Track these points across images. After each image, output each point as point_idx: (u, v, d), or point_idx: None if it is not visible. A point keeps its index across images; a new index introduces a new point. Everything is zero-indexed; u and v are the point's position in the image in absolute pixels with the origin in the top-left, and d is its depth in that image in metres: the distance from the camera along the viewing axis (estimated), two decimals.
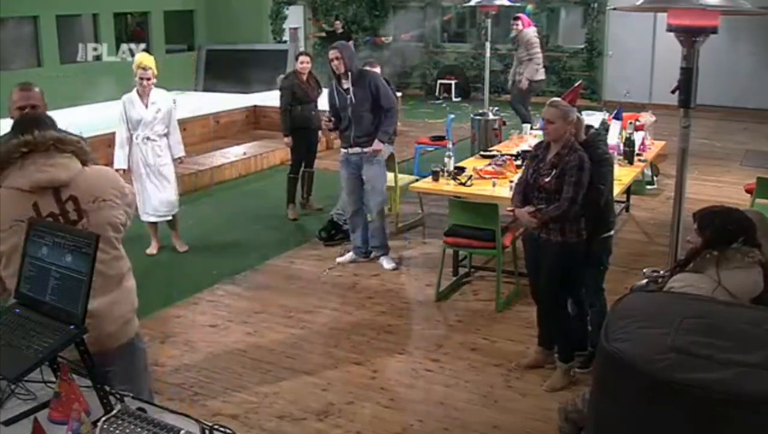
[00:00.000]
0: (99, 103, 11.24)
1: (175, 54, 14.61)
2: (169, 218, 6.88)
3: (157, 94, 6.65)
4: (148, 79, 6.52)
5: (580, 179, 4.41)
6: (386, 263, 6.61)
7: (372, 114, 6.40)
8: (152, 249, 6.93)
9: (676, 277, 3.03)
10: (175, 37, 14.60)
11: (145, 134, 6.59)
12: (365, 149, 6.42)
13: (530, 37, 10.68)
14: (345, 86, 6.40)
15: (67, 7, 12.51)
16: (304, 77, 7.83)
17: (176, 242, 7.01)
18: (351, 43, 15.36)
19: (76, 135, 3.03)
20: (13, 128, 3.01)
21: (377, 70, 7.04)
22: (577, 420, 3.37)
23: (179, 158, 6.86)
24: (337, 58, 6.35)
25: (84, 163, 2.86)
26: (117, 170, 6.50)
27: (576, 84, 5.43)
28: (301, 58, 7.95)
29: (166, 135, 6.70)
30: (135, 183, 6.59)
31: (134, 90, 6.60)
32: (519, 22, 10.69)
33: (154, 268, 6.57)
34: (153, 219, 6.81)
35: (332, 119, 6.56)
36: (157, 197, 6.70)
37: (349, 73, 6.36)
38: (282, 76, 8.06)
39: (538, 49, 10.73)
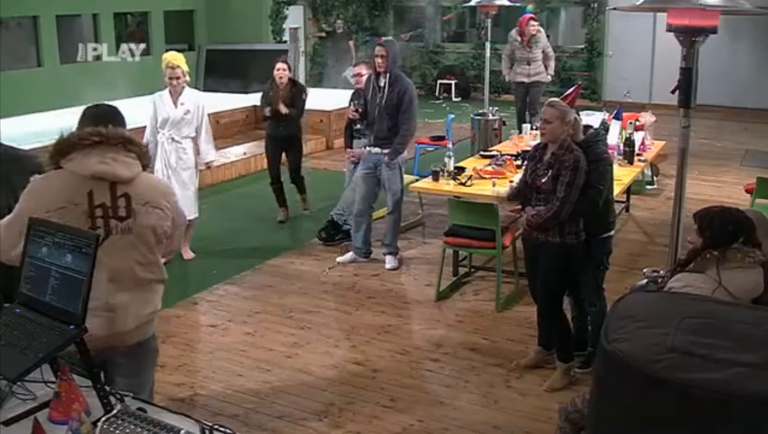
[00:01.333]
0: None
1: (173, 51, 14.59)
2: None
3: (189, 95, 6.50)
4: (178, 78, 6.37)
5: (574, 180, 4.41)
6: (389, 262, 6.62)
7: (393, 120, 6.42)
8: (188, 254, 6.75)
9: (677, 277, 3.03)
10: (175, 37, 14.56)
11: (171, 134, 6.44)
12: (384, 150, 6.47)
13: (544, 37, 10.81)
14: (381, 83, 6.43)
15: (67, 7, 12.48)
16: (281, 86, 7.46)
17: (183, 248, 6.78)
18: (351, 43, 15.41)
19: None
20: (85, 116, 3.06)
21: (361, 69, 7.06)
22: (577, 420, 3.36)
23: (208, 162, 6.71)
24: (382, 56, 6.36)
25: (144, 167, 2.93)
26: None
27: (575, 86, 5.43)
28: (277, 65, 7.54)
29: (194, 139, 6.53)
30: None
31: (166, 90, 6.45)
32: (537, 23, 10.74)
33: None
34: None
35: (359, 110, 6.61)
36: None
37: (388, 74, 6.37)
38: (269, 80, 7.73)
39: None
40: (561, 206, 4.41)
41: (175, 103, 6.42)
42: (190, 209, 6.61)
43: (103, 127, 2.83)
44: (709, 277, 2.93)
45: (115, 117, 3.07)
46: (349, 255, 6.73)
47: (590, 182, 4.48)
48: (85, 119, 3.04)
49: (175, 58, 6.45)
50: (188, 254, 6.84)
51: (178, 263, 6.73)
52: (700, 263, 3.01)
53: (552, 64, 10.84)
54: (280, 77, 7.44)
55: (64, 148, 2.80)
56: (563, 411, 3.89)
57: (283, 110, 7.31)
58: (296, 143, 7.75)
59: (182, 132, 6.47)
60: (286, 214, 7.85)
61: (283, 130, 7.54)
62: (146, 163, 2.94)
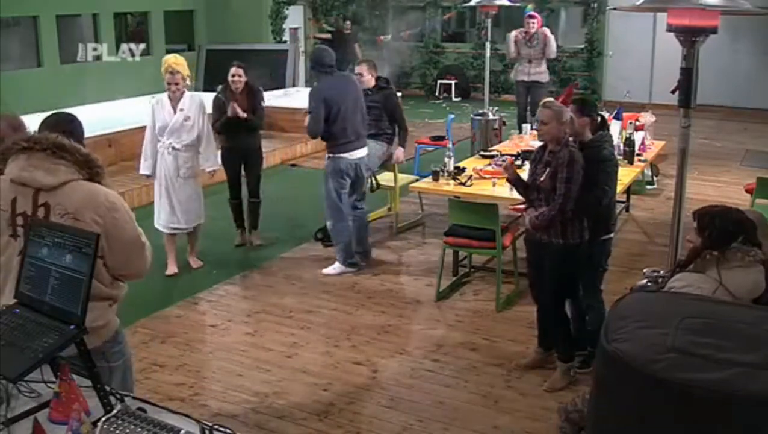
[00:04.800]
0: (99, 103, 11.24)
1: (175, 54, 14.62)
2: (190, 230, 6.51)
3: (189, 100, 6.20)
4: (177, 84, 6.07)
5: (572, 175, 4.40)
6: (328, 269, 6.52)
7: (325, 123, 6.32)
8: (171, 269, 6.45)
9: (677, 277, 3.03)
10: (175, 37, 14.58)
11: (170, 142, 6.15)
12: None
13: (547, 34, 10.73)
14: None
15: (67, 7, 12.49)
16: (236, 92, 6.77)
17: (191, 258, 6.63)
18: (357, 45, 15.36)
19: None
20: (43, 124, 3.05)
21: (362, 69, 7.03)
22: (577, 420, 3.36)
23: (213, 171, 6.49)
24: None
25: (92, 177, 2.79)
26: (144, 176, 6.30)
27: (569, 85, 5.41)
28: (232, 70, 6.80)
29: (194, 145, 6.25)
30: (157, 191, 6.32)
31: (165, 94, 6.19)
32: (535, 21, 10.62)
33: (154, 268, 6.52)
34: (167, 231, 6.38)
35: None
36: (176, 210, 6.32)
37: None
38: (220, 86, 6.96)
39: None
40: (563, 203, 4.41)
41: (174, 108, 6.14)
42: (193, 219, 6.47)
43: (51, 133, 2.77)
44: (710, 277, 2.93)
45: (70, 124, 3.00)
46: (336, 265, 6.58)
47: (597, 183, 4.49)
48: (43, 126, 2.99)
49: (176, 62, 6.15)
50: (196, 263, 6.63)
51: (177, 261, 6.73)
52: (700, 264, 3.01)
53: (552, 49, 10.53)
54: (235, 83, 6.75)
55: (5, 153, 2.77)
56: (563, 410, 3.88)
57: (242, 113, 6.63)
58: (256, 155, 7.05)
59: (182, 139, 6.17)
60: (245, 236, 7.23)
61: (242, 141, 6.84)
62: (91, 172, 2.78)
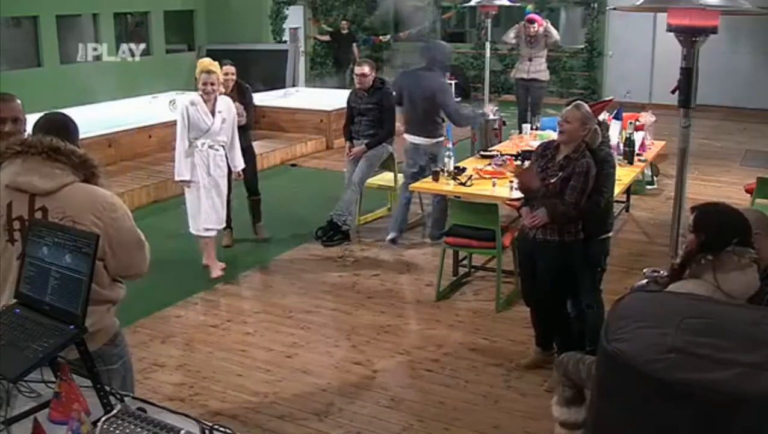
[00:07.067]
0: (99, 103, 11.24)
1: (176, 54, 14.62)
2: (214, 233, 6.42)
3: (224, 102, 6.23)
4: (212, 84, 6.06)
5: (585, 187, 4.43)
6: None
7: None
8: (216, 272, 6.35)
9: (674, 286, 3.02)
10: (175, 37, 14.59)
11: (208, 142, 6.15)
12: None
13: (543, 36, 10.74)
14: None
15: (67, 7, 12.49)
16: (227, 91, 6.64)
17: (212, 265, 6.42)
18: (355, 45, 15.38)
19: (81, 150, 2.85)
20: (36, 126, 3.00)
21: (365, 69, 7.08)
22: (576, 382, 3.35)
23: (241, 170, 6.49)
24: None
25: (88, 178, 2.77)
26: (182, 182, 6.20)
27: (607, 98, 5.37)
28: (224, 69, 6.66)
29: (226, 144, 6.27)
30: (190, 194, 6.22)
31: (197, 95, 6.15)
32: (536, 24, 10.65)
33: (153, 268, 6.51)
34: (211, 233, 6.34)
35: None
36: (211, 210, 6.26)
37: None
38: None
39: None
40: (572, 210, 4.43)
41: (212, 112, 6.13)
42: (221, 220, 6.43)
43: (32, 136, 2.75)
44: (706, 281, 2.92)
45: (63, 126, 2.96)
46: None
47: (595, 185, 4.49)
48: (36, 129, 2.95)
49: (212, 63, 6.20)
50: (216, 272, 6.39)
51: (176, 261, 6.68)
52: (696, 269, 3.00)
53: (552, 33, 10.69)
54: (227, 82, 6.71)
55: None
56: (561, 366, 3.78)
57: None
58: (249, 153, 6.95)
59: (219, 140, 6.21)
60: (231, 237, 7.13)
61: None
62: (88, 173, 2.76)
